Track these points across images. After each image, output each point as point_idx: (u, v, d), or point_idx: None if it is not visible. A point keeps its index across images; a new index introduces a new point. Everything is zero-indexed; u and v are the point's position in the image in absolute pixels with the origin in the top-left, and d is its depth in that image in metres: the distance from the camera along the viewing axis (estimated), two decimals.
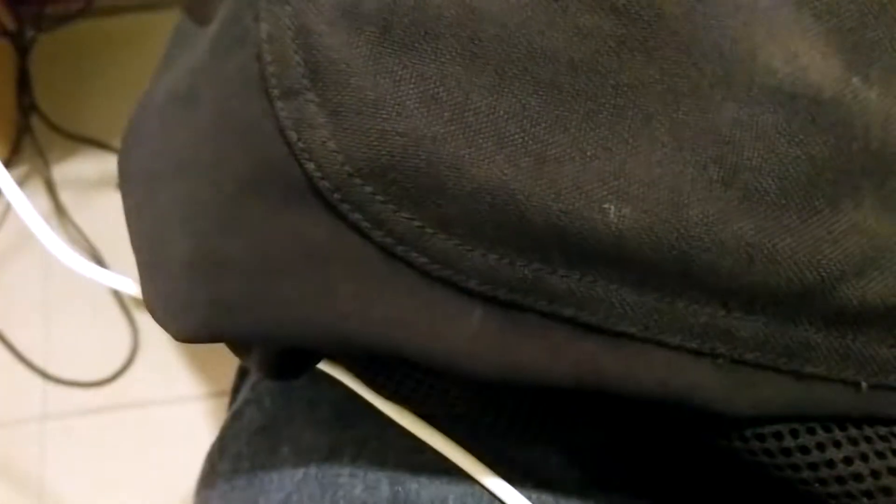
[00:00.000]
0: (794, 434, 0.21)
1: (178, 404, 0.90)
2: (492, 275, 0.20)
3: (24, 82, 0.98)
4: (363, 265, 0.20)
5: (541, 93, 0.20)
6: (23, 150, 1.00)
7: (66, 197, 0.99)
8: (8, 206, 1.00)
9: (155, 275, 0.25)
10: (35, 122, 0.99)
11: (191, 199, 0.23)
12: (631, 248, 0.20)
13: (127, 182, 0.28)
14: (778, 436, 0.21)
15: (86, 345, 0.93)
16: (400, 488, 0.27)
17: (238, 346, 0.26)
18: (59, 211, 0.99)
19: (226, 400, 0.90)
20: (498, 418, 0.25)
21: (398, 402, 0.27)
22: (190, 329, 0.23)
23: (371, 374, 0.27)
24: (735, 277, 0.20)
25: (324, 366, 0.28)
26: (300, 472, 0.28)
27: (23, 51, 0.96)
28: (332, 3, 0.21)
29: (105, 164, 0.97)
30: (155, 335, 0.93)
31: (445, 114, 0.20)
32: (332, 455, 0.28)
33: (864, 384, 0.21)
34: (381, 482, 0.27)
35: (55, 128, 0.99)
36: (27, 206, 0.35)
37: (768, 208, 0.20)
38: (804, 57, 0.20)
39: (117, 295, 0.95)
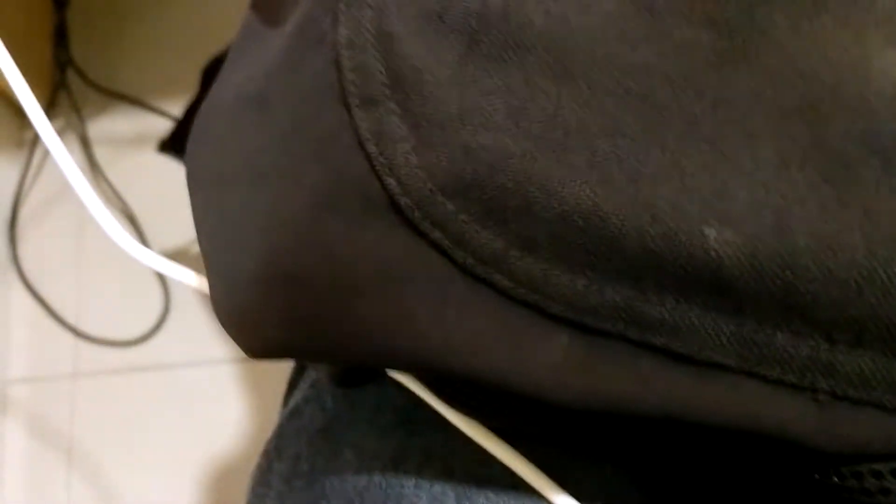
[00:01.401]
0: (877, 475, 0.20)
1: (208, 367, 0.90)
2: (579, 300, 0.19)
3: (60, 36, 0.96)
4: (444, 286, 0.19)
5: (635, 108, 0.19)
6: (58, 105, 0.99)
7: (100, 153, 0.98)
8: (41, 165, 0.99)
9: (225, 285, 0.24)
10: (71, 76, 0.98)
11: (264, 209, 0.22)
12: (731, 276, 0.18)
13: (195, 181, 0.27)
14: (877, 475, 0.20)
15: (118, 304, 0.93)
16: (467, 502, 0.26)
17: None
18: (94, 167, 0.99)
19: (256, 365, 0.90)
20: (570, 439, 0.25)
21: (467, 412, 0.26)
22: (262, 346, 0.22)
23: (440, 382, 0.26)
24: (843, 309, 0.19)
25: (392, 371, 0.27)
26: (363, 480, 0.27)
27: (60, 4, 0.94)
28: (416, 9, 0.20)
29: (140, 121, 0.96)
30: (187, 297, 0.93)
31: (534, 129, 0.19)
32: (396, 463, 0.27)
33: None
34: (447, 495, 0.26)
35: (91, 83, 0.98)
36: (81, 180, 0.34)
37: (887, 229, 0.19)
38: None
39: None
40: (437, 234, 0.19)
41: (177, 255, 0.94)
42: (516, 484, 0.26)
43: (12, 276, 0.95)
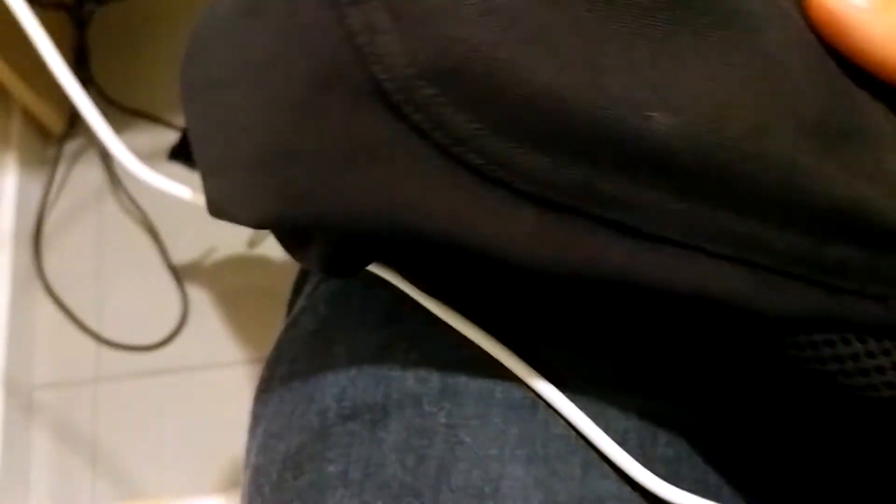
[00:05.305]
0: (830, 344, 0.22)
1: (226, 369, 0.93)
2: (542, 177, 0.21)
3: (81, 57, 1.01)
4: (423, 164, 0.22)
5: (596, 8, 0.21)
6: (79, 124, 1.03)
7: (121, 169, 1.02)
8: (64, 181, 1.03)
9: (223, 170, 0.27)
10: (92, 95, 1.02)
11: (263, 99, 0.24)
12: (674, 156, 0.21)
13: (190, 91, 0.30)
14: (813, 345, 0.22)
15: (138, 310, 0.96)
16: (450, 379, 0.28)
17: (296, 243, 0.27)
18: (114, 182, 1.03)
19: None
20: (536, 319, 0.27)
21: (445, 301, 0.28)
22: (259, 215, 0.25)
23: (419, 275, 0.28)
24: (774, 192, 0.21)
25: (374, 268, 0.29)
26: (354, 369, 0.29)
27: (81, 25, 0.99)
28: None
29: (160, 138, 1.00)
30: (204, 303, 0.96)
31: (504, 23, 0.21)
32: (384, 352, 0.29)
33: (891, 300, 0.22)
34: (432, 374, 0.28)
35: (111, 101, 1.02)
36: (98, 120, 0.37)
37: (809, 120, 0.21)
38: None
39: (168, 262, 0.98)
40: (417, 117, 0.22)
41: (195, 264, 0.97)
42: (494, 364, 0.28)
43: (37, 287, 0.98)
